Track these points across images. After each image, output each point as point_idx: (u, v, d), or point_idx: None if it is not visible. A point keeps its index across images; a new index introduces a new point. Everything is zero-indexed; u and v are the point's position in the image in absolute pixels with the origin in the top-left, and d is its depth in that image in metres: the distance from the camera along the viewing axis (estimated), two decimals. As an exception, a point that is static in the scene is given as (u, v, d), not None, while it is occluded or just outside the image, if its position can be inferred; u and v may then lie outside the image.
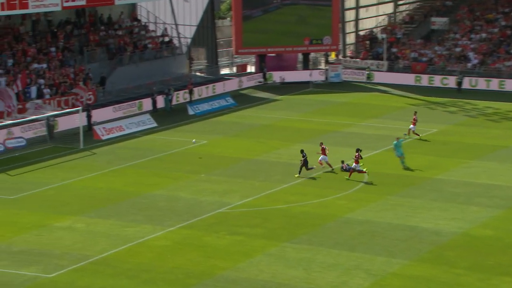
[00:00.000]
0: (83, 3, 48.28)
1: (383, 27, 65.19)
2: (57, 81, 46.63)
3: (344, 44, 64.64)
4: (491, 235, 28.11)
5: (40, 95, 45.08)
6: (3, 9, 44.24)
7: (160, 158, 38.50)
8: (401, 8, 68.64)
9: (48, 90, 45.68)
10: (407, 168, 36.08)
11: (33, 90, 44.99)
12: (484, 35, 60.13)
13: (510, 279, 24.41)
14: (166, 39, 56.71)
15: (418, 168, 36.47)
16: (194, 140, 40.34)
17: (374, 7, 67.75)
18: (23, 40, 48.48)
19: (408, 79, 57.24)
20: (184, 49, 57.78)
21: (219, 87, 54.05)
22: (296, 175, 34.98)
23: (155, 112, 47.87)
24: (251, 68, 61.77)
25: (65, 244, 27.10)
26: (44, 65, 47.43)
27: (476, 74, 56.05)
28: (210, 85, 53.64)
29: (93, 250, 26.59)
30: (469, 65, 57.56)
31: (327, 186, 33.96)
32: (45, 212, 30.53)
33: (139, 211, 30.66)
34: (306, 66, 60.52)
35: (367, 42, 63.48)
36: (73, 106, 44.87)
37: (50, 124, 42.00)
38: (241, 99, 52.60)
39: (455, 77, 55.55)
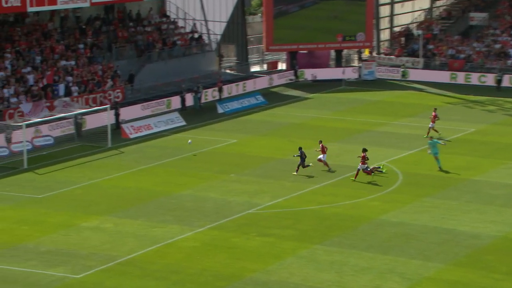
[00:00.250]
0: (112, -1, 48.77)
1: (419, 23, 64.68)
2: (85, 79, 47.13)
3: (378, 41, 64.25)
4: (532, 239, 27.78)
5: (68, 93, 45.62)
6: (32, 6, 44.88)
7: (189, 157, 38.70)
8: (438, 3, 67.98)
9: (76, 88, 46.18)
10: (442, 169, 35.77)
11: (61, 87, 45.53)
12: (525, 31, 59.43)
13: (551, 285, 24.09)
14: (196, 35, 56.97)
15: (455, 169, 36.14)
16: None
17: (410, 2, 67.20)
18: (51, 36, 49.07)
19: (443, 76, 56.73)
20: (214, 46, 57.98)
21: (249, 85, 54.15)
22: (293, 173, 35.17)
23: (184, 110, 48.14)
24: (282, 66, 61.73)
25: (93, 245, 27.39)
26: (72, 62, 47.96)
27: (516, 72, 55.43)
28: (240, 83, 53.75)
29: (121, 250, 26.84)
30: (509, 62, 56.86)
31: (360, 187, 33.83)
32: (72, 211, 30.90)
33: (168, 211, 30.87)
34: (338, 64, 60.29)
35: (402, 38, 63.06)
36: (101, 104, 45.33)
37: (78, 122, 42.47)
38: (272, 97, 52.61)
39: (494, 74, 54.93)
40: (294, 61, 58.29)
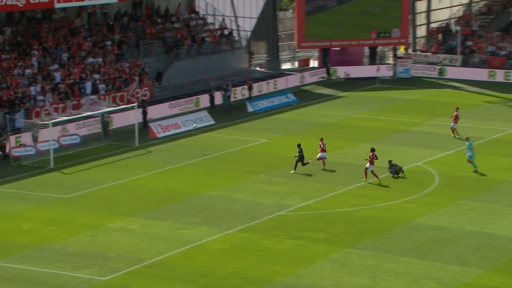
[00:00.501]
0: (140, -6, 49.13)
1: (458, 18, 64.08)
2: (112, 76, 47.51)
3: (414, 37, 63.82)
4: None
5: (95, 91, 46.02)
6: (59, 2, 45.42)
7: (218, 157, 38.83)
8: (477, -3, 67.39)
9: (103, 86, 46.57)
10: (478, 171, 35.41)
11: (88, 85, 45.95)
12: None
13: None
14: (225, 32, 57.11)
15: (494, 170, 35.76)
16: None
17: (448, -3, 66.75)
18: (78, 33, 49.54)
19: (481, 74, 56.15)
20: (244, 42, 58.08)
21: (280, 83, 54.13)
22: (291, 171, 35.22)
23: (212, 109, 48.29)
24: (314, 63, 61.62)
25: (120, 246, 27.62)
26: (100, 59, 48.37)
27: (559, 69, 54.67)
28: (271, 81, 53.77)
29: (148, 252, 27.03)
30: (552, 59, 56.14)
31: (395, 188, 33.65)
32: (99, 212, 31.19)
33: (196, 213, 31.00)
34: (372, 61, 60.02)
35: (440, 35, 62.52)
36: (129, 102, 45.65)
37: (105, 121, 42.83)
38: (303, 96, 52.55)
39: (536, 72, 54.27)
40: (326, 58, 58.13)
